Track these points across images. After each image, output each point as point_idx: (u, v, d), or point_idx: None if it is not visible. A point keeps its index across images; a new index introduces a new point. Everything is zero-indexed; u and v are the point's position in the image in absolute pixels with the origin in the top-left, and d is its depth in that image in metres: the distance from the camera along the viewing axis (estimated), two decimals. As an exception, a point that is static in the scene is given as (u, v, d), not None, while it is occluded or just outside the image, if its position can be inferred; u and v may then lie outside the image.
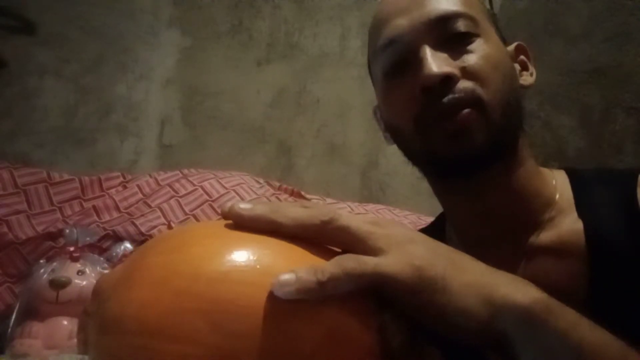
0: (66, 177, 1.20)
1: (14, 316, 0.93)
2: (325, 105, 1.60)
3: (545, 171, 0.58)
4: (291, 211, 0.34)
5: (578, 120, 1.49)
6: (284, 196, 1.39)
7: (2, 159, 1.16)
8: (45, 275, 0.95)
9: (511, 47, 0.59)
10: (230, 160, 1.48)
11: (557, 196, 0.55)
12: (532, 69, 0.60)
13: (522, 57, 0.60)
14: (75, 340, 0.90)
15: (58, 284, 0.93)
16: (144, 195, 1.25)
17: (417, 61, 0.51)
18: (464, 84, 0.50)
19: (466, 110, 0.49)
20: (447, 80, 0.49)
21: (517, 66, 0.58)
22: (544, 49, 1.48)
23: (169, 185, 1.27)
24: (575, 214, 0.53)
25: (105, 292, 0.31)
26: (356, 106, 1.59)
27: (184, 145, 1.49)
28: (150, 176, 1.30)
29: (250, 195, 1.30)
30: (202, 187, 1.28)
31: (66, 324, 0.92)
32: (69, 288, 0.93)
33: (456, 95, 0.49)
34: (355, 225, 0.33)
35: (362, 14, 1.64)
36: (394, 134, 0.58)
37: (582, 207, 0.53)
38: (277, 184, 1.43)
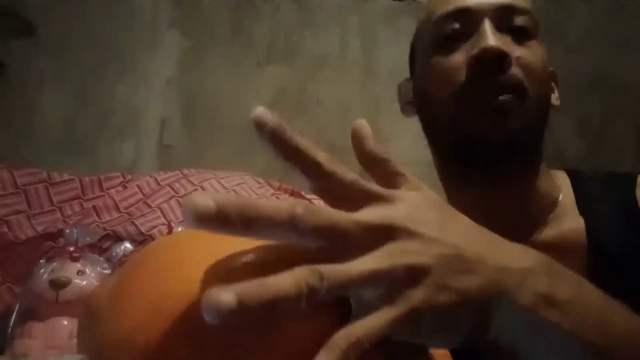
0: (66, 177, 1.20)
1: (14, 316, 0.93)
2: (325, 106, 1.60)
3: (551, 172, 0.59)
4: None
5: (578, 126, 1.48)
6: (284, 196, 1.39)
7: (2, 159, 1.16)
8: (45, 275, 0.94)
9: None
10: (230, 160, 1.48)
11: (561, 196, 0.56)
12: (557, 94, 0.63)
13: (552, 83, 0.62)
14: (75, 340, 0.90)
15: (58, 284, 0.93)
16: (144, 195, 1.25)
17: (477, 33, 0.52)
18: (515, 70, 0.51)
19: (512, 95, 0.51)
20: (503, 59, 0.50)
21: None
22: (544, 51, 1.49)
23: (169, 185, 1.27)
24: (576, 213, 0.54)
25: (96, 311, 0.30)
26: (356, 107, 1.59)
27: (184, 146, 1.49)
28: (150, 176, 1.30)
29: (250, 195, 1.30)
30: (202, 187, 1.28)
31: (66, 324, 0.92)
32: (69, 288, 0.93)
33: (507, 77, 0.51)
34: None
35: (362, 14, 1.64)
36: (427, 104, 0.58)
37: (583, 206, 0.54)
38: (277, 184, 1.43)
